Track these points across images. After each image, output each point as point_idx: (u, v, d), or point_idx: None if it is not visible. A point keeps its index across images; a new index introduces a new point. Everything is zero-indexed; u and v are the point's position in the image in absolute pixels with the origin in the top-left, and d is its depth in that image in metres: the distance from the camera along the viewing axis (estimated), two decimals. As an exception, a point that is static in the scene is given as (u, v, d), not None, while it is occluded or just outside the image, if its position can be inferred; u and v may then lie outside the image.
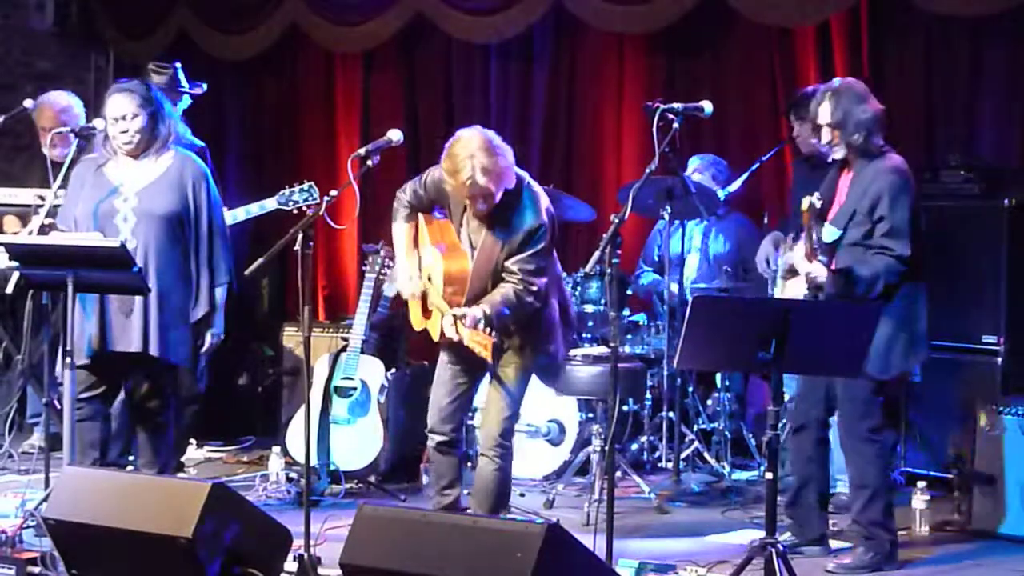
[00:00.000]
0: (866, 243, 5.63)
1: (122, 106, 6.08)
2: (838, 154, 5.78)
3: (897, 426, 7.00)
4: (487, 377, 5.85)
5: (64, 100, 7.83)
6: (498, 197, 5.56)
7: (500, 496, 5.83)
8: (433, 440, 5.94)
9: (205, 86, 7.52)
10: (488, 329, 5.44)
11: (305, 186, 7.01)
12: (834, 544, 6.05)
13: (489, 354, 5.45)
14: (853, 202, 5.67)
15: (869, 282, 5.57)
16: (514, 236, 5.59)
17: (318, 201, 6.91)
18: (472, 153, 5.45)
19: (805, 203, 5.50)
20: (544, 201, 5.68)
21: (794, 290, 5.82)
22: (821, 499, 5.97)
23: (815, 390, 5.86)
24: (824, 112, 5.74)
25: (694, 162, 7.89)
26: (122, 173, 6.13)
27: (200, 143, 6.94)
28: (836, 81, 5.90)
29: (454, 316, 5.44)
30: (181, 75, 7.36)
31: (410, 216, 5.92)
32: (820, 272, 5.58)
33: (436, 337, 5.81)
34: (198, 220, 6.14)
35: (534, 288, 5.58)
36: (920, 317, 5.75)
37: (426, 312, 5.92)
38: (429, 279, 5.84)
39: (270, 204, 7.05)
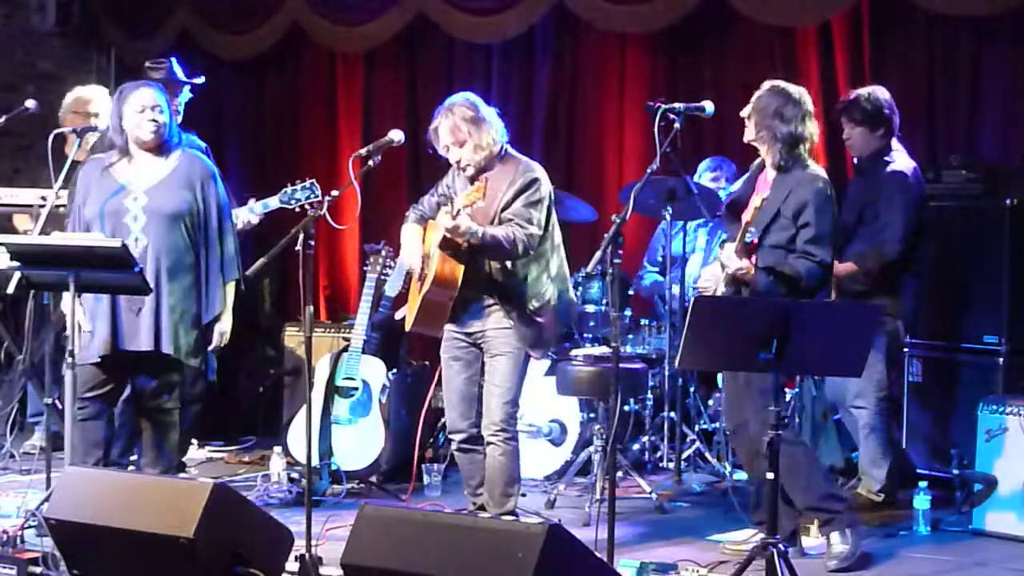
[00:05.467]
0: (789, 247, 5.67)
1: (151, 96, 6.17)
2: (761, 151, 5.84)
3: (898, 426, 6.99)
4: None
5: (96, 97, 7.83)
6: (467, 152, 5.79)
7: (508, 482, 5.88)
8: (454, 441, 6.06)
9: (203, 78, 7.52)
10: (478, 238, 5.62)
11: (307, 183, 7.01)
12: (808, 543, 6.02)
13: (482, 194, 5.63)
14: (775, 204, 5.69)
15: (792, 283, 5.60)
16: (509, 191, 5.79)
17: (320, 198, 6.92)
18: (449, 107, 5.81)
19: (757, 200, 5.53)
20: (541, 170, 5.91)
21: (709, 274, 5.82)
22: (786, 495, 5.90)
23: (739, 388, 5.85)
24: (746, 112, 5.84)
25: (707, 166, 7.89)
26: (130, 173, 6.16)
27: (203, 144, 6.95)
28: (769, 83, 5.92)
29: (449, 199, 5.62)
30: (177, 67, 7.36)
31: (420, 220, 6.09)
32: (750, 269, 5.62)
33: (427, 286, 5.84)
34: (207, 219, 6.19)
35: (528, 231, 5.73)
36: None
37: (423, 286, 5.94)
38: (429, 253, 5.89)
39: (273, 203, 7.06)
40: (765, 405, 5.51)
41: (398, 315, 6.12)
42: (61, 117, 7.76)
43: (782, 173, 5.77)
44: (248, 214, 7.05)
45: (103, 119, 6.98)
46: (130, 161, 6.18)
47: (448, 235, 5.66)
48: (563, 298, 5.98)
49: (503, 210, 5.77)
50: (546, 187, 5.87)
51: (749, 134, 5.87)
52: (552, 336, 6.03)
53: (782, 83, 5.90)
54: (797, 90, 5.86)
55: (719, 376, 7.63)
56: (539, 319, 5.87)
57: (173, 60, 7.42)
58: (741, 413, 5.87)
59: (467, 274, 5.76)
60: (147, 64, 7.44)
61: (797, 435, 5.83)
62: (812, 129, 5.79)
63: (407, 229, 6.07)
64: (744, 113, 5.87)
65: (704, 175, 7.85)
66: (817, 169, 5.80)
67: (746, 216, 5.59)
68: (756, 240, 5.65)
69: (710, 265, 5.95)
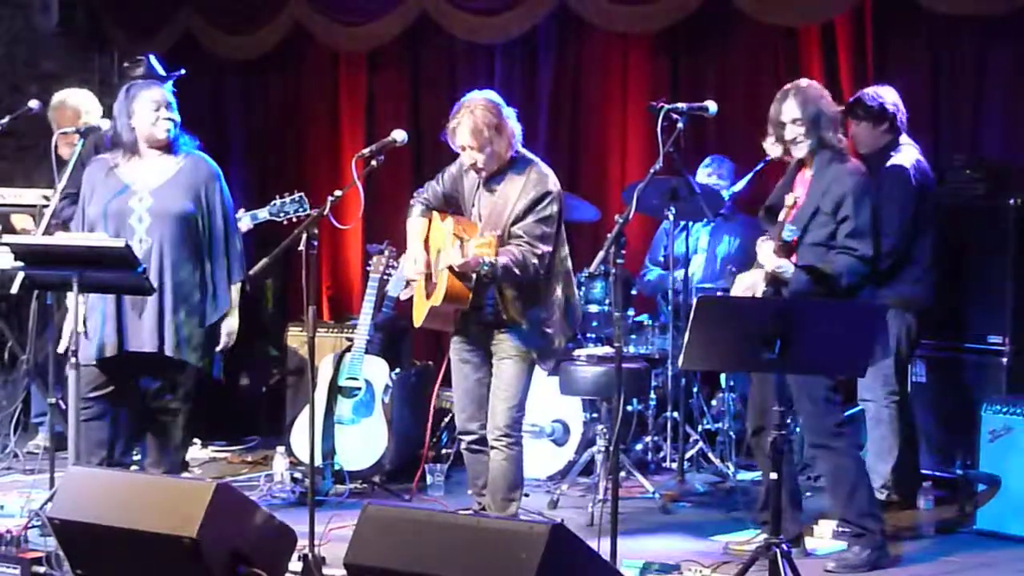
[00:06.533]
0: (829, 243, 5.65)
1: (163, 95, 6.21)
2: (801, 152, 5.78)
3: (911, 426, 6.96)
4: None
5: (84, 100, 7.80)
6: (484, 155, 5.72)
7: (510, 487, 5.87)
8: (463, 441, 6.05)
9: (183, 71, 7.50)
10: (488, 269, 5.53)
11: (296, 196, 6.98)
12: (812, 544, 6.03)
13: (494, 250, 5.53)
14: (814, 201, 5.68)
15: (833, 280, 5.58)
16: (520, 203, 5.71)
17: (308, 213, 6.91)
18: (472, 107, 5.71)
19: (790, 199, 5.52)
20: (553, 177, 5.82)
21: (744, 284, 5.81)
22: (792, 498, 5.93)
23: (768, 390, 5.85)
24: (791, 108, 5.75)
25: (705, 164, 7.88)
26: (134, 173, 6.17)
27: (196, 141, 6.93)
28: (797, 82, 5.91)
29: (459, 238, 5.53)
30: (155, 62, 7.36)
31: (425, 212, 6.03)
32: (788, 268, 5.60)
33: (437, 302, 5.81)
34: (212, 219, 6.21)
35: (539, 252, 5.67)
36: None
37: (431, 294, 5.92)
38: (438, 252, 5.86)
39: (262, 214, 7.03)
40: (815, 413, 5.58)
41: (404, 295, 6.09)
42: (52, 119, 7.73)
43: (821, 169, 5.73)
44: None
45: (100, 120, 6.99)
46: (136, 160, 6.18)
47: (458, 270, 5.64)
48: (570, 304, 5.94)
49: (513, 223, 5.71)
50: (558, 199, 5.79)
51: (803, 150, 5.76)
52: (560, 346, 6.00)
53: (808, 82, 5.90)
54: (814, 84, 5.88)
55: (721, 376, 7.67)
56: (547, 329, 5.83)
57: (151, 56, 7.42)
58: (763, 417, 5.85)
59: (476, 288, 5.74)
60: (125, 64, 7.45)
61: (852, 444, 5.81)
62: (840, 118, 5.84)
63: (412, 227, 6.00)
64: (796, 135, 5.75)
65: (700, 171, 7.85)
66: (855, 163, 5.77)
67: (781, 215, 5.58)
68: (796, 239, 5.62)
69: (745, 274, 5.89)
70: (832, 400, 5.79)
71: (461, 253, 5.56)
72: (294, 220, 6.91)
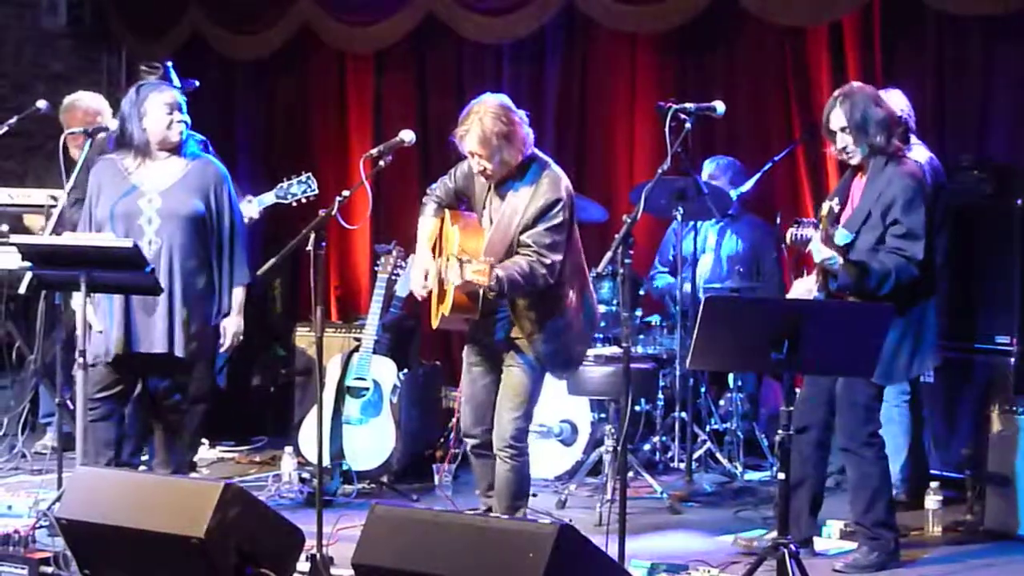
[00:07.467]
0: (879, 248, 5.62)
1: (174, 97, 6.20)
2: (855, 159, 5.76)
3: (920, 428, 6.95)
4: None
5: (95, 102, 7.81)
6: (493, 164, 5.62)
7: (515, 496, 5.82)
8: (468, 444, 6.02)
9: (197, 83, 7.50)
10: (494, 284, 5.41)
11: (303, 177, 6.96)
12: (821, 545, 6.04)
13: (488, 279, 5.37)
14: (867, 205, 5.66)
15: (880, 277, 5.55)
16: (530, 210, 5.61)
17: (316, 192, 6.90)
18: (481, 114, 5.57)
19: (825, 208, 5.49)
20: (563, 181, 5.71)
21: (801, 288, 5.80)
22: (813, 502, 5.94)
23: (820, 392, 5.85)
24: (838, 117, 5.72)
25: (708, 166, 7.88)
26: (142, 174, 6.17)
27: (201, 136, 6.93)
28: (846, 86, 5.90)
29: (459, 260, 5.45)
30: (172, 72, 7.36)
31: (437, 211, 5.95)
32: (837, 260, 5.55)
33: (446, 311, 5.77)
34: (220, 221, 6.20)
35: (548, 261, 5.56)
36: (928, 328, 5.76)
37: (443, 300, 5.89)
38: (447, 259, 5.83)
39: (268, 198, 7.02)
40: (853, 419, 5.60)
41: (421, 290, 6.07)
42: (63, 121, 7.72)
43: (875, 174, 5.71)
44: (245, 206, 7.03)
45: (110, 122, 7.00)
46: (145, 162, 6.18)
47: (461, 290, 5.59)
48: (588, 306, 5.88)
49: (523, 231, 5.61)
50: (568, 205, 5.66)
51: (856, 158, 5.74)
52: (580, 354, 5.97)
53: (859, 85, 5.89)
54: (860, 87, 5.86)
55: (728, 376, 7.67)
56: (566, 338, 5.76)
57: (169, 64, 7.43)
58: (808, 417, 5.84)
59: (484, 300, 5.68)
60: (142, 67, 7.44)
61: (880, 455, 5.82)
62: (893, 118, 5.81)
63: (422, 230, 5.93)
64: (846, 143, 5.73)
65: (707, 179, 7.85)
66: (908, 164, 5.76)
67: (819, 230, 5.53)
68: (848, 243, 5.58)
69: (803, 279, 5.87)
70: (872, 408, 5.80)
71: (460, 275, 5.44)
72: (303, 201, 6.90)
